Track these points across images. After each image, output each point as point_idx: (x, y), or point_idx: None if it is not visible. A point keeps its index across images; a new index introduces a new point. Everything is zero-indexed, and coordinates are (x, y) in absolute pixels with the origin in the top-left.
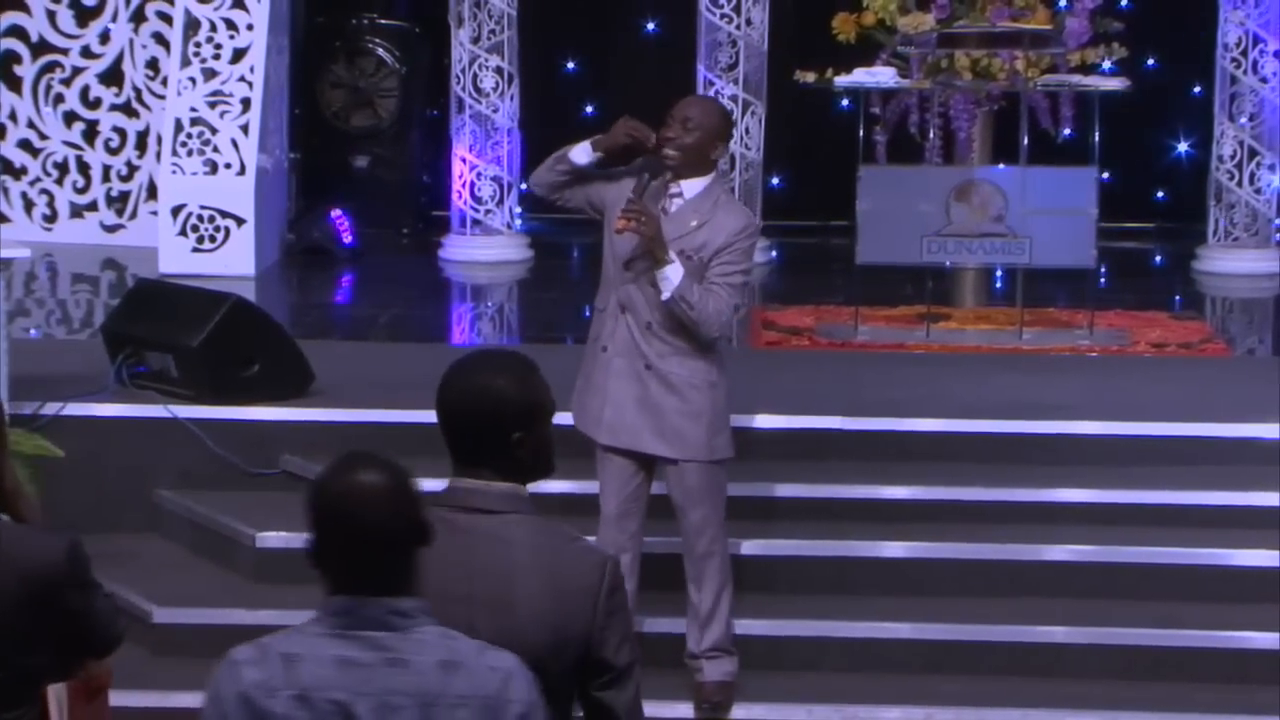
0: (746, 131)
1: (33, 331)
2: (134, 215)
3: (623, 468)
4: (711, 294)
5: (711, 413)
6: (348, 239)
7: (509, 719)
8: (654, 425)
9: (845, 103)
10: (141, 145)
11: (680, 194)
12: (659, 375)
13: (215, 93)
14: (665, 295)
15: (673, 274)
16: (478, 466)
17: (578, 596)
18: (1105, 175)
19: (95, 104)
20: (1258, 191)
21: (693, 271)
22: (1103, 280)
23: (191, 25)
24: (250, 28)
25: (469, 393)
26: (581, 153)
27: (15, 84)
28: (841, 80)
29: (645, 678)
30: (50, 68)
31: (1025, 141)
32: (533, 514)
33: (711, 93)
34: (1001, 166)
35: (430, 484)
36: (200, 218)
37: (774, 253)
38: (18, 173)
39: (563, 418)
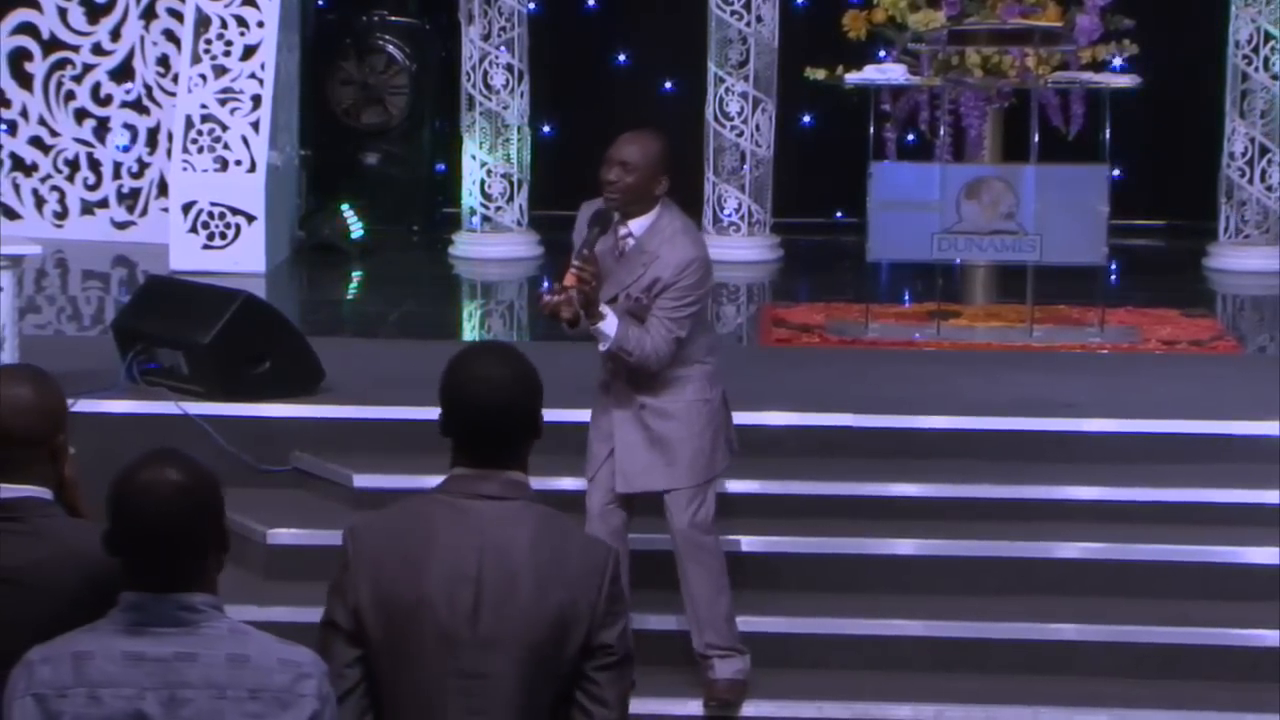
0: (757, 129)
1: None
2: (144, 212)
3: (611, 467)
4: (649, 335)
5: (711, 429)
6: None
7: (302, 713)
8: (663, 459)
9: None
10: (152, 142)
11: (630, 233)
12: (654, 409)
13: (226, 90)
14: (603, 348)
15: (607, 328)
16: (507, 457)
17: (583, 581)
18: (1116, 172)
19: (106, 101)
20: (1269, 189)
21: (640, 311)
22: (1113, 277)
23: (202, 22)
24: (261, 25)
25: (507, 383)
26: (602, 341)
27: (26, 81)
28: (852, 77)
29: (648, 675)
30: (61, 64)
31: (1036, 139)
32: (536, 502)
33: (722, 90)
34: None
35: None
36: (211, 214)
37: (783, 250)
38: (29, 169)
39: (566, 415)
